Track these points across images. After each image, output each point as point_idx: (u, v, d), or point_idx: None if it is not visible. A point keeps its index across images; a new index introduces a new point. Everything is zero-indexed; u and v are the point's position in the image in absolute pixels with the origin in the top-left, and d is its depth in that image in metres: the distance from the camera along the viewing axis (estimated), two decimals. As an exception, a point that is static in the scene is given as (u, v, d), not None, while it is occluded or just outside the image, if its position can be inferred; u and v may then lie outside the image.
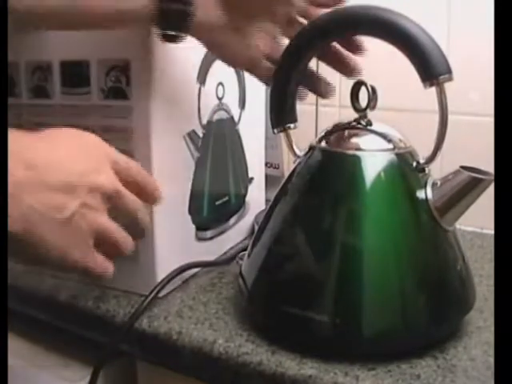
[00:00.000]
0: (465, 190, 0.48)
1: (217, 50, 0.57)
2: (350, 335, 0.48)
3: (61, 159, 0.41)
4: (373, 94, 0.51)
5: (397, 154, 0.50)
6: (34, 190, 0.38)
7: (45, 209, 0.39)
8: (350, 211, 0.49)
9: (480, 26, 0.74)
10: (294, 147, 0.56)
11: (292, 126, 0.55)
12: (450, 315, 0.50)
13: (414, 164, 0.50)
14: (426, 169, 0.50)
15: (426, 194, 0.49)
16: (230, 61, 0.57)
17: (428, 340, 0.49)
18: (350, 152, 0.50)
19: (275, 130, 0.56)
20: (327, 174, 0.51)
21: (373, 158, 0.50)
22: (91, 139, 0.45)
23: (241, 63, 0.57)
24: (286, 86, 0.54)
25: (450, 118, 0.48)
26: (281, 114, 0.55)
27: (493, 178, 0.46)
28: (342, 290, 0.48)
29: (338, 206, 0.50)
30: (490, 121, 0.76)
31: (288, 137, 0.56)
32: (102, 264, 0.44)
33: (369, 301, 0.47)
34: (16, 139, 0.39)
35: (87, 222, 0.41)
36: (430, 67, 0.47)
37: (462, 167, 0.48)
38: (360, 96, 0.53)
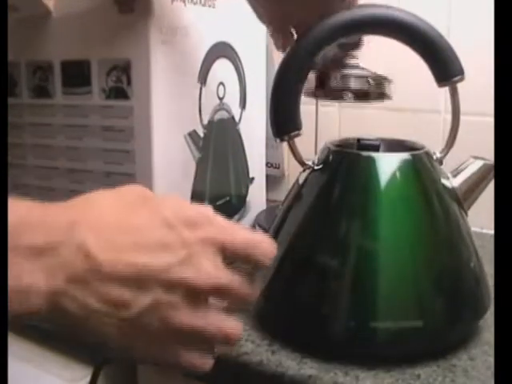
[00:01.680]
0: (481, 177, 0.51)
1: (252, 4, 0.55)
2: (364, 338, 0.47)
3: (132, 246, 0.33)
4: None
5: (412, 155, 0.50)
6: (93, 282, 0.32)
7: (105, 307, 0.32)
8: (365, 214, 0.49)
9: (480, 26, 0.74)
10: (301, 156, 0.52)
11: (297, 133, 0.50)
12: (466, 316, 0.50)
13: (435, 157, 0.52)
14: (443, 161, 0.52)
15: (451, 183, 0.51)
16: (260, 16, 0.55)
17: (444, 343, 0.49)
18: (365, 153, 0.50)
19: (277, 140, 0.51)
20: (342, 175, 0.51)
21: (389, 158, 0.50)
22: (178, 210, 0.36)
23: (268, 22, 0.55)
24: (290, 89, 0.50)
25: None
26: (284, 122, 0.51)
27: None
28: (356, 292, 0.47)
29: (354, 209, 0.49)
30: (489, 120, 0.76)
31: (293, 146, 0.51)
32: (194, 361, 0.37)
33: (385, 304, 0.47)
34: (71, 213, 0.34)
35: (161, 320, 0.34)
36: (446, 68, 0.49)
37: (473, 157, 0.52)
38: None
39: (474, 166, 0.52)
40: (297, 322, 0.50)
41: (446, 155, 0.52)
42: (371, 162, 0.49)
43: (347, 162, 0.51)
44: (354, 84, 0.54)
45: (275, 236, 0.54)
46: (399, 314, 0.47)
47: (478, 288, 0.51)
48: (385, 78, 0.54)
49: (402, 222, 0.49)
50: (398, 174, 0.49)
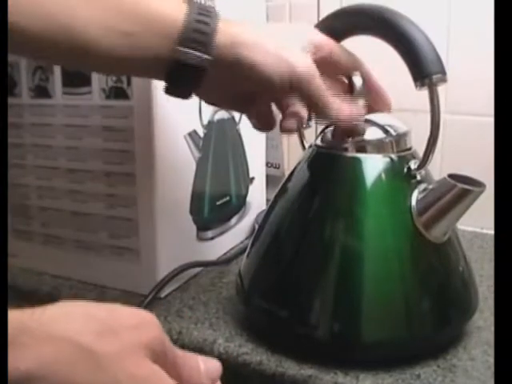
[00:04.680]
0: (451, 200, 0.45)
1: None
2: (348, 340, 0.47)
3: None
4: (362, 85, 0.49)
5: (398, 157, 0.49)
6: None
7: None
8: (347, 214, 0.48)
9: (480, 27, 0.74)
10: (305, 142, 0.56)
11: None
12: (453, 320, 0.50)
13: (405, 170, 0.48)
14: (418, 175, 0.48)
15: (410, 203, 0.47)
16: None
17: (430, 346, 0.49)
18: (347, 154, 0.49)
19: None
20: (324, 175, 0.51)
21: (369, 161, 0.49)
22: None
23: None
24: None
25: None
26: None
27: (482, 189, 0.44)
28: (341, 294, 0.47)
29: (335, 208, 0.49)
30: (489, 120, 0.76)
31: (300, 135, 0.56)
32: None
33: (369, 305, 0.46)
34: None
35: None
36: (422, 66, 0.45)
37: (450, 176, 0.45)
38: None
39: (443, 188, 0.46)
40: (281, 324, 0.49)
41: (424, 166, 0.48)
42: (357, 163, 0.49)
43: (332, 162, 0.50)
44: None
45: (261, 232, 0.54)
46: (383, 318, 0.46)
47: (465, 291, 0.51)
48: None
49: (388, 224, 0.48)
50: (383, 176, 0.48)
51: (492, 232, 0.78)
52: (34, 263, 0.68)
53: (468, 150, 0.76)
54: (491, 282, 0.63)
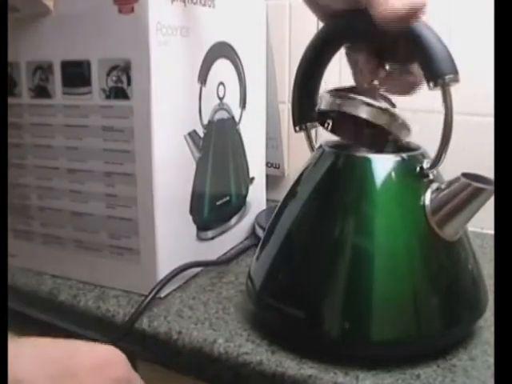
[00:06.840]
0: (465, 199, 0.45)
1: None
2: (358, 340, 0.47)
3: None
4: None
5: (409, 156, 0.49)
6: None
7: None
8: (359, 214, 0.48)
9: (480, 27, 0.74)
10: (315, 146, 0.55)
11: (310, 125, 0.54)
12: (463, 318, 0.50)
13: (418, 169, 0.49)
14: (431, 174, 0.48)
15: (423, 202, 0.47)
16: None
17: (441, 344, 0.49)
18: (358, 154, 0.50)
19: (296, 128, 0.55)
20: (335, 175, 0.51)
21: (380, 161, 0.49)
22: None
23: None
24: (308, 84, 0.53)
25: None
26: (301, 113, 0.55)
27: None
28: (352, 294, 0.47)
29: (347, 209, 0.49)
30: (489, 120, 0.75)
31: (308, 136, 0.55)
32: None
33: (379, 305, 0.46)
34: None
35: None
36: (434, 66, 0.46)
37: (464, 174, 0.46)
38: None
39: (457, 187, 0.46)
40: (293, 323, 0.50)
41: (437, 165, 0.48)
42: (366, 162, 0.49)
43: (343, 163, 0.51)
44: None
45: (271, 233, 0.54)
46: (393, 317, 0.47)
47: (475, 289, 0.51)
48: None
49: (400, 223, 0.48)
50: (395, 175, 0.49)
51: (492, 232, 0.78)
52: (34, 263, 0.68)
53: (468, 150, 0.76)
54: (491, 281, 0.63)
